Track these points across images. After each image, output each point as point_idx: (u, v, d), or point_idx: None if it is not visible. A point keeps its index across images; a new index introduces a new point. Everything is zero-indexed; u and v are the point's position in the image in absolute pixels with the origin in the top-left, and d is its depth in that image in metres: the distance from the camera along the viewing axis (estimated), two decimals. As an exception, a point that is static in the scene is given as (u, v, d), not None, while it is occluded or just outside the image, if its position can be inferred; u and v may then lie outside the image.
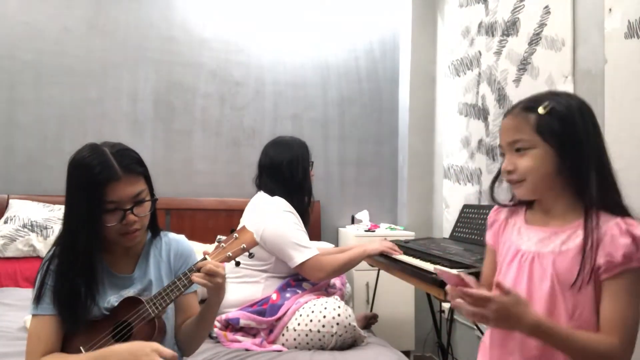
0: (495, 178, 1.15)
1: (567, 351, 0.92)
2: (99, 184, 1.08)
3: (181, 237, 1.34)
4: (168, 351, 1.04)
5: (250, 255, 1.23)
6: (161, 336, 1.17)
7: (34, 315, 1.13)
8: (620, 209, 0.97)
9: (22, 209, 2.46)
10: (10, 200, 2.53)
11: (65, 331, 1.14)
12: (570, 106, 1.01)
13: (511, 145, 1.02)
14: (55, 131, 2.71)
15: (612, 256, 0.91)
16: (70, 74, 2.74)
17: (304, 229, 1.93)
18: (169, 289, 1.14)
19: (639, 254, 0.90)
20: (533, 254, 1.01)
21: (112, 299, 1.17)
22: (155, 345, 1.05)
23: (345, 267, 1.91)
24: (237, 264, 1.22)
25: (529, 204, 1.10)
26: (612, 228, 0.93)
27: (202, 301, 1.28)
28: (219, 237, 1.23)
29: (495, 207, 1.17)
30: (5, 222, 2.40)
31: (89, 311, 1.14)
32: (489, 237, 1.17)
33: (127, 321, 1.14)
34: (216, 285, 1.13)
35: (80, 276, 1.13)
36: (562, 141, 0.98)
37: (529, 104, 1.02)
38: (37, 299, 1.13)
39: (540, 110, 0.99)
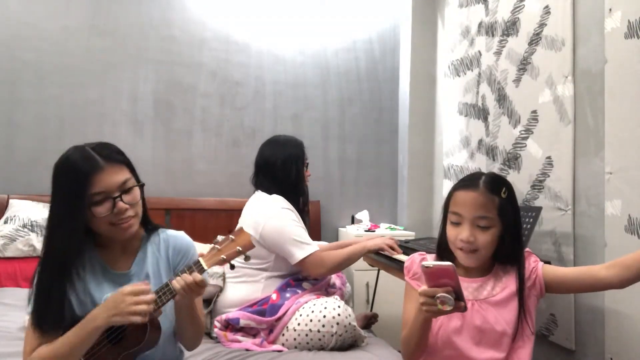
0: (442, 236, 1.29)
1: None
2: (83, 176, 1.10)
3: (180, 233, 1.33)
4: (138, 287, 1.05)
5: (246, 259, 1.18)
6: (156, 333, 1.16)
7: (30, 314, 1.13)
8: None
9: (22, 209, 2.46)
10: (10, 200, 2.53)
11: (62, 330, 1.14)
12: (513, 190, 1.25)
13: (476, 220, 1.20)
14: (55, 131, 2.71)
15: (534, 273, 1.25)
16: (70, 74, 2.74)
17: (303, 225, 1.93)
18: (161, 292, 1.12)
19: (534, 256, 1.29)
20: (472, 301, 1.23)
21: (108, 296, 1.16)
22: (125, 288, 1.05)
23: (345, 263, 1.91)
24: (232, 267, 1.18)
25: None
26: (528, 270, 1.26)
27: (206, 301, 1.27)
28: (218, 237, 1.21)
29: (420, 257, 1.35)
30: (5, 222, 2.40)
31: (85, 309, 1.13)
32: (416, 285, 1.32)
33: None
34: (188, 297, 1.12)
35: (60, 279, 1.12)
36: (509, 222, 1.21)
37: (492, 186, 1.22)
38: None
39: (502, 194, 1.21)
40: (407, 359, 1.31)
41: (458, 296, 1.06)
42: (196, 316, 1.23)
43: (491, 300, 1.23)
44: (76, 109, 2.75)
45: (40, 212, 2.46)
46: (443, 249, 1.30)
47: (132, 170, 1.20)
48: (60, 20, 2.73)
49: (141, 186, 1.21)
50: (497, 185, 1.22)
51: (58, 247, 1.12)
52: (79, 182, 1.09)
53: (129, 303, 1.03)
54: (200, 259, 1.15)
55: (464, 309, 1.08)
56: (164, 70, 2.89)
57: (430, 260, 1.07)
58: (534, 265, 1.26)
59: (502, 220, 1.20)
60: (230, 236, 1.16)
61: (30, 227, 2.39)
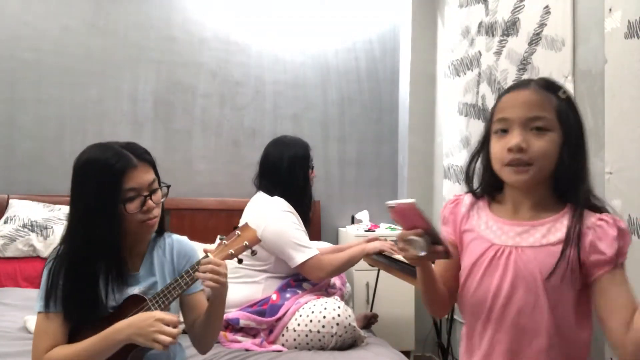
0: (472, 160, 1.05)
1: None
2: (118, 173, 1.12)
3: (184, 238, 1.36)
4: (170, 317, 1.07)
5: (253, 253, 1.22)
6: None
7: (40, 313, 1.15)
8: (599, 208, 0.95)
9: (22, 209, 2.46)
10: (10, 200, 2.53)
11: (71, 328, 1.15)
12: (573, 98, 0.98)
13: (529, 122, 0.92)
14: (55, 131, 2.71)
15: (604, 253, 0.89)
16: (70, 74, 2.74)
17: (303, 228, 1.93)
18: (171, 287, 1.16)
19: (626, 248, 0.89)
20: (510, 248, 0.95)
21: (116, 296, 1.19)
22: (158, 314, 1.07)
23: (345, 266, 1.91)
24: (240, 261, 1.21)
25: (492, 196, 1.04)
26: (598, 223, 0.91)
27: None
28: (219, 236, 1.23)
29: (453, 199, 1.10)
30: (5, 222, 2.40)
31: (98, 308, 1.15)
32: (445, 231, 1.09)
33: None
34: (219, 284, 1.13)
35: (100, 272, 1.15)
36: (571, 132, 0.93)
37: (547, 85, 0.96)
38: (44, 297, 1.14)
39: (561, 94, 0.94)
40: (430, 312, 1.13)
41: (435, 240, 0.91)
42: (222, 315, 1.26)
43: (534, 247, 0.94)
44: (76, 109, 2.75)
45: (40, 212, 2.46)
46: (487, 181, 1.03)
47: (156, 172, 1.23)
48: (60, 20, 2.73)
49: (167, 187, 1.24)
50: (552, 85, 0.97)
51: (101, 239, 1.13)
52: (114, 178, 1.12)
53: (156, 330, 1.04)
54: (209, 254, 1.17)
55: (446, 255, 0.91)
56: (164, 70, 2.89)
57: (407, 200, 0.87)
58: (617, 245, 0.89)
59: (562, 125, 0.93)
60: (237, 232, 1.20)
61: (30, 227, 2.38)
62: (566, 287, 0.92)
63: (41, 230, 2.39)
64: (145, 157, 1.19)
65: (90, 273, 1.14)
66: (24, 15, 2.68)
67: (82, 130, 2.74)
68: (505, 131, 0.95)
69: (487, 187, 1.04)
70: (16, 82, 2.66)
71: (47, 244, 2.37)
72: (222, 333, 1.78)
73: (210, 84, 2.96)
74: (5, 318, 1.84)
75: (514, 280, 0.93)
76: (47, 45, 2.71)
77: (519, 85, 0.98)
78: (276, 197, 1.92)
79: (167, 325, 1.05)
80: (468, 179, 1.06)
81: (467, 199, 1.08)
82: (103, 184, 1.12)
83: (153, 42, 2.87)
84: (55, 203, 2.54)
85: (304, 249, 1.84)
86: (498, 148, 0.96)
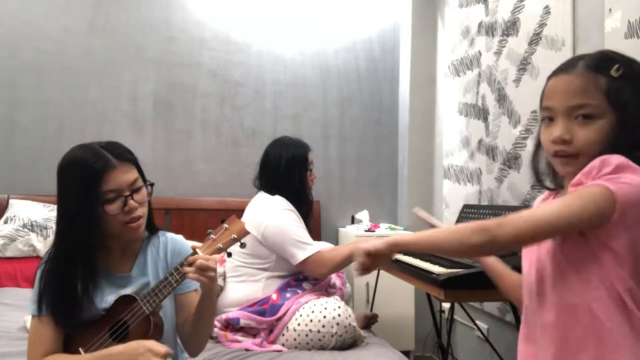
0: (536, 152, 0.96)
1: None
2: (96, 174, 1.10)
3: (178, 237, 1.34)
4: (161, 348, 1.05)
5: (242, 245, 1.19)
6: (158, 333, 1.17)
7: (34, 316, 1.13)
8: None
9: (22, 209, 2.46)
10: (10, 200, 2.53)
11: (65, 331, 1.14)
12: (636, 67, 0.86)
13: (572, 110, 0.84)
14: (55, 131, 2.71)
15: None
16: (70, 74, 2.74)
17: (304, 226, 1.94)
18: (161, 285, 1.13)
19: (593, 173, 0.78)
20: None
21: (109, 299, 1.17)
22: (149, 343, 1.05)
23: (346, 261, 1.90)
24: (229, 255, 1.18)
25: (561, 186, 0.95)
26: None
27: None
28: (208, 231, 1.21)
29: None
30: (5, 222, 2.40)
31: (86, 311, 1.14)
32: None
33: (123, 320, 1.14)
34: (209, 279, 1.12)
35: (78, 275, 1.13)
36: (627, 113, 0.82)
37: (596, 63, 0.86)
38: (36, 300, 1.13)
39: (613, 72, 0.83)
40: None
41: None
42: (212, 314, 1.24)
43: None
44: (76, 109, 2.75)
45: (40, 212, 2.46)
46: (544, 170, 0.96)
47: (140, 169, 1.21)
48: (60, 20, 2.73)
49: (150, 185, 1.22)
50: (604, 62, 0.86)
51: (77, 243, 1.12)
52: (91, 180, 1.10)
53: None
54: (198, 250, 1.15)
55: None
56: (164, 70, 2.89)
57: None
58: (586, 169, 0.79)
59: (615, 108, 0.82)
60: (225, 225, 1.18)
61: (30, 227, 2.39)
62: (585, 253, 0.81)
63: (41, 230, 2.39)
64: (125, 156, 1.16)
65: (73, 275, 1.12)
66: (24, 15, 2.68)
67: (81, 130, 2.74)
68: (552, 119, 0.89)
69: (553, 176, 0.96)
70: (16, 82, 2.66)
71: (47, 244, 2.37)
72: (222, 333, 1.78)
73: (210, 84, 2.96)
74: (5, 318, 1.84)
75: (540, 256, 0.89)
76: (47, 45, 2.71)
77: (564, 67, 0.90)
78: (277, 196, 1.93)
79: (157, 355, 1.03)
80: (536, 171, 0.97)
81: (543, 195, 1.01)
82: (81, 185, 1.10)
83: (153, 42, 2.87)
84: (55, 203, 2.53)
85: (305, 246, 1.84)
86: (545, 138, 0.90)
